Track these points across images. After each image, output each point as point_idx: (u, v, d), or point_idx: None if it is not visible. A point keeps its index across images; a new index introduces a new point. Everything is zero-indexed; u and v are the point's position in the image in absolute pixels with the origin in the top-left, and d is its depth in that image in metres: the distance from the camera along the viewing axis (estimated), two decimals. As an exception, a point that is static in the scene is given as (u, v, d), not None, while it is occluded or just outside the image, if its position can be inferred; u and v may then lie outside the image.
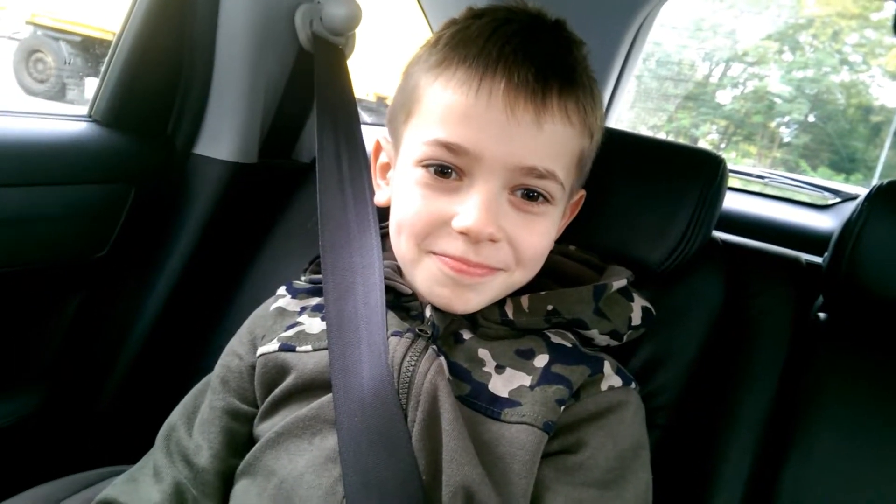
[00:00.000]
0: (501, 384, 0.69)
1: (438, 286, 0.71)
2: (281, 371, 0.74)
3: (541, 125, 0.66)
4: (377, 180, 0.84)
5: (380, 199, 0.82)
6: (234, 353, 0.80)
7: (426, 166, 0.69)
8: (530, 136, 0.66)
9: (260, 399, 0.76)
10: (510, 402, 0.67)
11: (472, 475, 0.62)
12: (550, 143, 0.68)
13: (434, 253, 0.71)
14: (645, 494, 0.69)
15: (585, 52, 0.73)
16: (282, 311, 0.82)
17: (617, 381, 0.73)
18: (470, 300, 0.72)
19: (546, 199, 0.71)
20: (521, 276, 0.74)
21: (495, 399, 0.68)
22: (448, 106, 0.67)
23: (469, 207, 0.66)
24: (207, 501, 0.72)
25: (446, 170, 0.68)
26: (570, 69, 0.70)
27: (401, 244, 0.73)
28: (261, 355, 0.76)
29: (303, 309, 0.81)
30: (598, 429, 0.69)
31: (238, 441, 0.75)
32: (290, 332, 0.77)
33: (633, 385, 0.75)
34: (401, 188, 0.73)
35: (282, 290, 0.86)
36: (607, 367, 0.73)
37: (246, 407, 0.77)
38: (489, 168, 0.66)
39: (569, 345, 0.75)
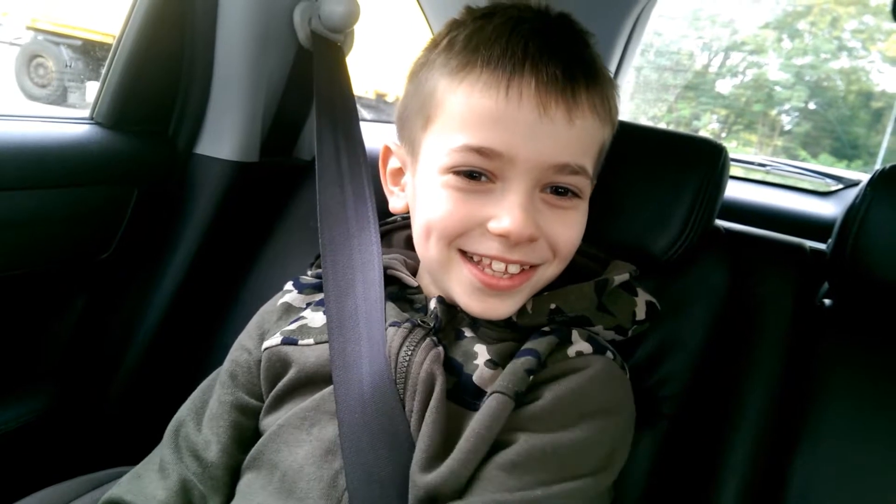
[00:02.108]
0: (489, 378, 0.68)
1: (466, 296, 0.71)
2: (284, 364, 0.75)
3: (572, 121, 0.66)
4: (389, 187, 0.83)
5: (396, 206, 0.81)
6: (242, 347, 0.81)
7: (455, 172, 0.68)
8: (562, 134, 0.66)
9: (265, 393, 0.76)
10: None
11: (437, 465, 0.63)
12: (581, 138, 0.68)
13: (466, 253, 0.70)
14: (594, 449, 0.65)
15: (594, 42, 0.74)
16: (288, 307, 0.82)
17: (586, 348, 0.72)
18: (502, 307, 0.71)
19: (575, 194, 0.71)
20: (556, 269, 0.73)
21: (480, 393, 0.67)
22: (476, 110, 0.66)
23: (506, 210, 0.66)
24: (215, 496, 0.72)
25: (475, 173, 0.68)
26: (592, 62, 0.70)
27: (430, 247, 0.72)
28: (266, 349, 0.77)
29: (308, 304, 0.82)
30: (556, 384, 0.67)
31: (246, 436, 0.76)
32: (293, 326, 0.78)
33: (609, 354, 0.73)
34: (426, 193, 0.71)
35: (288, 286, 0.86)
36: (575, 334, 0.72)
37: (254, 401, 0.77)
38: (522, 169, 0.66)
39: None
